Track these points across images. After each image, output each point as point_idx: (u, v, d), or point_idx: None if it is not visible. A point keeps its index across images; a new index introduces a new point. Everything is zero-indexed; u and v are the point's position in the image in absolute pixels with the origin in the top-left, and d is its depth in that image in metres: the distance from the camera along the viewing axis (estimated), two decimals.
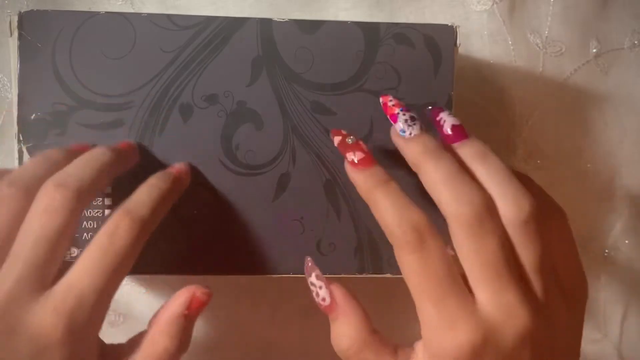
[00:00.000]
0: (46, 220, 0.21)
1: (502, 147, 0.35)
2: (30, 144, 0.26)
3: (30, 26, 0.26)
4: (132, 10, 0.32)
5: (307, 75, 0.27)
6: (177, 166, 0.26)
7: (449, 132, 0.23)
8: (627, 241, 0.36)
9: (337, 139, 0.24)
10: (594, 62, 0.35)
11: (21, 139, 0.26)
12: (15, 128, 0.26)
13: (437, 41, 0.27)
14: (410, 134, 0.23)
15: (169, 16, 0.27)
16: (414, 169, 0.23)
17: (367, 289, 0.34)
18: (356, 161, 0.23)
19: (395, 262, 0.28)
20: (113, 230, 0.22)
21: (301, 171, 0.27)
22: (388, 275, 0.28)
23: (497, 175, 0.22)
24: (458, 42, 0.28)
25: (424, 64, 0.27)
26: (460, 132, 0.23)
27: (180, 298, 0.24)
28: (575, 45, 0.35)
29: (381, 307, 0.34)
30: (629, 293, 0.36)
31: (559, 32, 0.35)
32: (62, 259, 0.22)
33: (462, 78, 0.29)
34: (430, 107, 0.25)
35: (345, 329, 0.23)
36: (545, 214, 0.22)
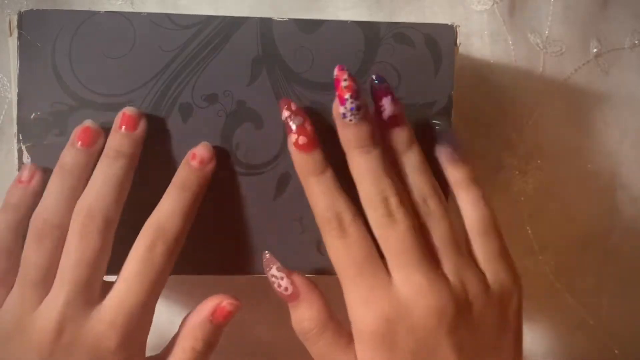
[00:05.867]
0: (83, 245, 0.23)
1: (502, 147, 0.35)
2: (30, 144, 0.26)
3: (30, 26, 0.26)
4: (132, 10, 0.32)
5: (307, 75, 0.27)
6: (199, 156, 0.26)
7: (386, 118, 0.25)
8: (627, 241, 0.36)
9: (285, 114, 0.25)
10: (595, 62, 0.35)
11: (21, 138, 0.26)
12: (15, 128, 0.26)
13: (437, 41, 0.27)
14: (350, 120, 0.24)
15: (168, 16, 0.27)
16: (344, 149, 0.25)
17: None
18: (301, 143, 0.24)
19: None
20: (151, 248, 0.24)
21: None
22: None
23: (415, 168, 0.25)
24: (458, 42, 0.27)
25: (424, 64, 0.27)
26: (396, 120, 0.25)
27: (208, 304, 0.26)
28: (576, 45, 0.35)
29: None
30: (629, 293, 0.36)
31: (559, 32, 0.35)
32: (103, 277, 0.24)
33: (462, 78, 0.29)
34: (377, 82, 0.25)
35: (307, 313, 0.24)
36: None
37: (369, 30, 0.27)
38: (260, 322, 0.34)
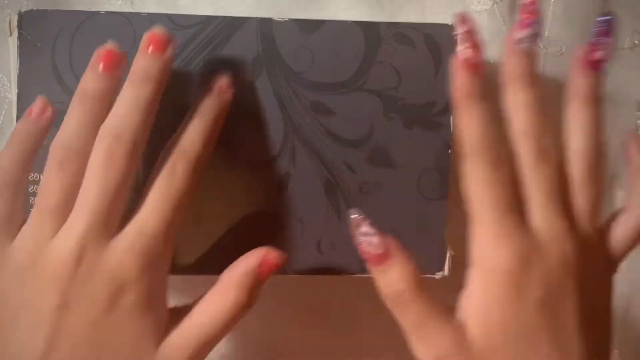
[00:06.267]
0: (108, 170, 0.22)
1: None
2: None
3: (30, 26, 0.26)
4: (132, 10, 0.32)
5: (307, 75, 0.27)
6: (219, 83, 0.26)
7: (595, 59, 0.24)
8: None
9: (461, 27, 0.23)
10: None
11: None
12: None
13: (438, 41, 0.27)
14: (525, 48, 0.23)
15: (169, 16, 0.27)
16: (505, 79, 0.24)
17: (366, 289, 0.34)
18: (472, 61, 0.23)
19: None
20: (171, 172, 0.23)
21: (301, 171, 0.27)
22: None
23: (585, 127, 0.24)
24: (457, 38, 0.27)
25: (424, 64, 0.27)
26: (599, 66, 0.24)
27: (254, 255, 0.24)
28: (576, 45, 0.35)
29: (380, 306, 0.34)
30: (629, 293, 0.36)
31: (559, 32, 0.35)
32: (124, 204, 0.23)
33: None
34: (606, 18, 0.24)
35: (399, 274, 0.23)
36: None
37: (369, 30, 0.27)
38: (260, 323, 0.34)
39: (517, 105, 0.23)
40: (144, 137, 0.23)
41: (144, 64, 0.23)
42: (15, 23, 0.26)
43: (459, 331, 0.23)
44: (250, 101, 0.27)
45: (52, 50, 0.26)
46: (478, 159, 0.23)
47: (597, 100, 0.24)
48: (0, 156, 0.24)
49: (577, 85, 0.24)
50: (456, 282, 0.29)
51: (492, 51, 0.34)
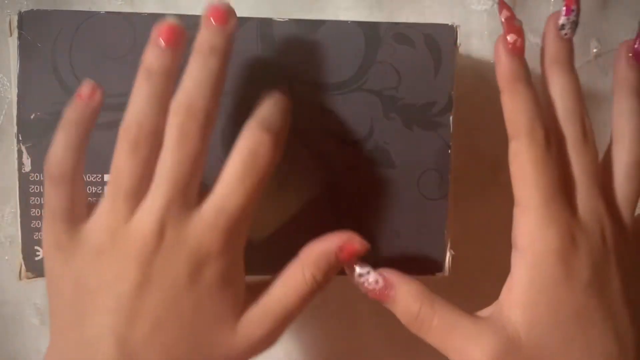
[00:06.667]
0: (184, 145, 0.22)
1: (502, 147, 0.34)
2: (30, 144, 0.26)
3: (30, 26, 0.26)
4: (132, 10, 0.32)
5: (307, 75, 0.27)
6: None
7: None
8: None
9: (505, 13, 0.24)
10: (594, 62, 0.35)
11: (21, 138, 0.26)
12: (15, 128, 0.26)
13: (438, 41, 0.27)
14: (566, 34, 0.24)
15: (169, 16, 0.27)
16: (545, 64, 0.25)
17: None
18: (517, 45, 0.24)
19: (395, 261, 0.28)
20: (256, 148, 0.23)
21: (301, 171, 0.27)
22: None
23: (631, 116, 0.24)
24: (458, 41, 0.27)
25: (424, 64, 0.27)
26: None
27: (337, 237, 0.24)
28: (576, 45, 0.34)
29: (381, 307, 0.34)
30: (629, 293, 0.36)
31: None
32: (201, 178, 0.23)
33: (462, 78, 0.29)
34: None
35: (409, 295, 0.23)
36: None
37: (369, 30, 0.27)
38: None
39: (562, 88, 0.24)
40: (215, 110, 0.23)
41: (209, 37, 0.23)
42: (15, 23, 0.26)
43: (497, 325, 0.23)
44: (250, 101, 0.27)
45: (52, 50, 0.26)
46: (528, 140, 0.23)
47: None
48: (55, 144, 0.23)
49: (625, 77, 0.25)
50: (456, 282, 0.29)
51: (492, 51, 0.34)
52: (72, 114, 0.23)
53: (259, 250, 0.27)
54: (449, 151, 0.28)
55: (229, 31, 0.23)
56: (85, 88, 0.24)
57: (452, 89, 0.28)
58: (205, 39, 0.23)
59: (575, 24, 0.24)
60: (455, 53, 0.27)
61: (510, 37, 0.24)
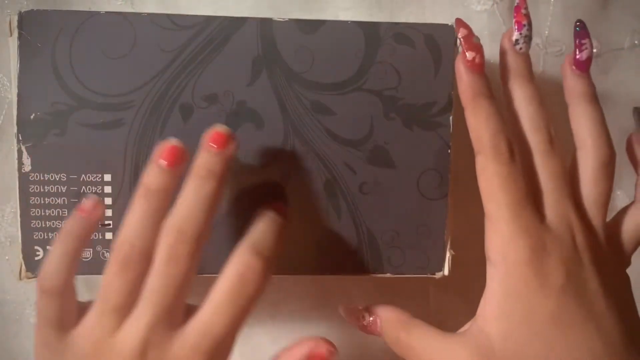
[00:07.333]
0: (172, 268, 0.22)
1: None
2: (30, 144, 0.26)
3: (30, 26, 0.26)
4: (132, 10, 0.32)
5: (307, 75, 0.27)
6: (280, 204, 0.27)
7: (581, 59, 0.26)
8: None
9: (462, 31, 0.25)
10: (594, 62, 0.35)
11: (21, 138, 0.26)
12: (15, 128, 0.26)
13: (438, 41, 0.27)
14: (521, 49, 0.25)
15: (169, 16, 0.27)
16: (505, 79, 0.26)
17: (367, 289, 0.34)
18: (476, 62, 0.24)
19: (394, 261, 0.28)
20: (245, 272, 0.23)
21: (301, 171, 0.27)
22: (388, 275, 0.28)
23: (588, 121, 0.25)
24: (458, 42, 0.27)
25: (424, 64, 0.27)
26: (586, 66, 0.26)
27: (304, 346, 0.24)
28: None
29: None
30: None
31: (559, 32, 0.35)
32: (187, 298, 0.24)
33: None
34: (581, 23, 0.26)
35: (387, 325, 0.25)
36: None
37: (369, 30, 0.27)
38: (260, 322, 0.34)
39: (524, 99, 0.25)
40: (207, 233, 0.23)
41: (207, 161, 0.23)
42: (15, 23, 0.26)
43: (471, 339, 0.23)
44: (250, 101, 0.27)
45: (52, 50, 0.26)
46: (491, 155, 0.23)
47: (597, 98, 0.26)
48: (51, 256, 0.23)
49: (573, 85, 0.26)
50: (456, 282, 0.29)
51: (492, 51, 0.34)
52: (72, 227, 0.24)
53: None
54: (449, 151, 0.28)
55: (228, 155, 0.24)
56: (88, 203, 0.24)
57: (452, 89, 0.28)
58: (204, 162, 0.24)
59: (528, 38, 0.25)
60: (455, 53, 0.27)
61: (469, 55, 0.24)
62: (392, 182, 0.28)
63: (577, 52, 0.26)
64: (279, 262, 0.25)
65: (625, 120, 0.35)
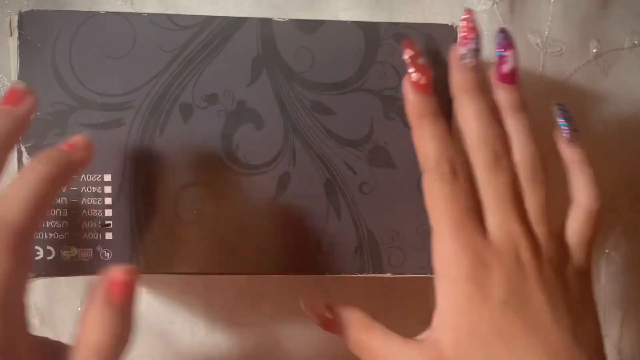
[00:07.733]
0: None
1: None
2: (30, 144, 0.26)
3: (30, 26, 0.26)
4: (132, 10, 0.32)
5: (307, 75, 0.27)
6: (72, 140, 0.23)
7: (505, 72, 0.25)
8: (627, 241, 0.36)
9: (408, 52, 0.25)
10: (594, 62, 0.35)
11: (21, 138, 0.26)
12: None
13: (437, 41, 0.27)
14: (468, 63, 0.25)
15: (169, 16, 0.27)
16: (454, 94, 0.25)
17: (367, 289, 0.34)
18: (421, 83, 0.24)
19: (395, 261, 0.28)
20: None
21: (301, 171, 0.27)
22: (388, 275, 0.28)
23: (525, 130, 0.25)
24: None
25: None
26: (513, 77, 0.25)
27: (100, 285, 0.22)
28: (576, 45, 0.35)
29: (381, 307, 0.34)
30: (629, 293, 0.36)
31: (559, 32, 0.35)
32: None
33: None
34: (502, 33, 0.26)
35: (349, 328, 0.25)
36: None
37: (369, 30, 0.27)
38: (260, 322, 0.34)
39: (467, 116, 0.25)
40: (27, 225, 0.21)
41: None
42: (15, 23, 0.26)
43: (427, 347, 0.23)
44: (250, 101, 0.27)
45: (52, 50, 0.26)
46: (434, 174, 0.24)
47: (525, 107, 0.25)
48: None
49: (504, 99, 0.25)
50: None
51: (492, 51, 0.34)
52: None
53: (258, 250, 0.27)
54: None
55: (18, 113, 0.23)
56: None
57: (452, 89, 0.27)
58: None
59: (476, 51, 0.25)
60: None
61: (414, 77, 0.24)
62: (392, 182, 0.28)
63: (501, 64, 0.25)
64: (279, 262, 0.25)
65: (625, 120, 0.35)
